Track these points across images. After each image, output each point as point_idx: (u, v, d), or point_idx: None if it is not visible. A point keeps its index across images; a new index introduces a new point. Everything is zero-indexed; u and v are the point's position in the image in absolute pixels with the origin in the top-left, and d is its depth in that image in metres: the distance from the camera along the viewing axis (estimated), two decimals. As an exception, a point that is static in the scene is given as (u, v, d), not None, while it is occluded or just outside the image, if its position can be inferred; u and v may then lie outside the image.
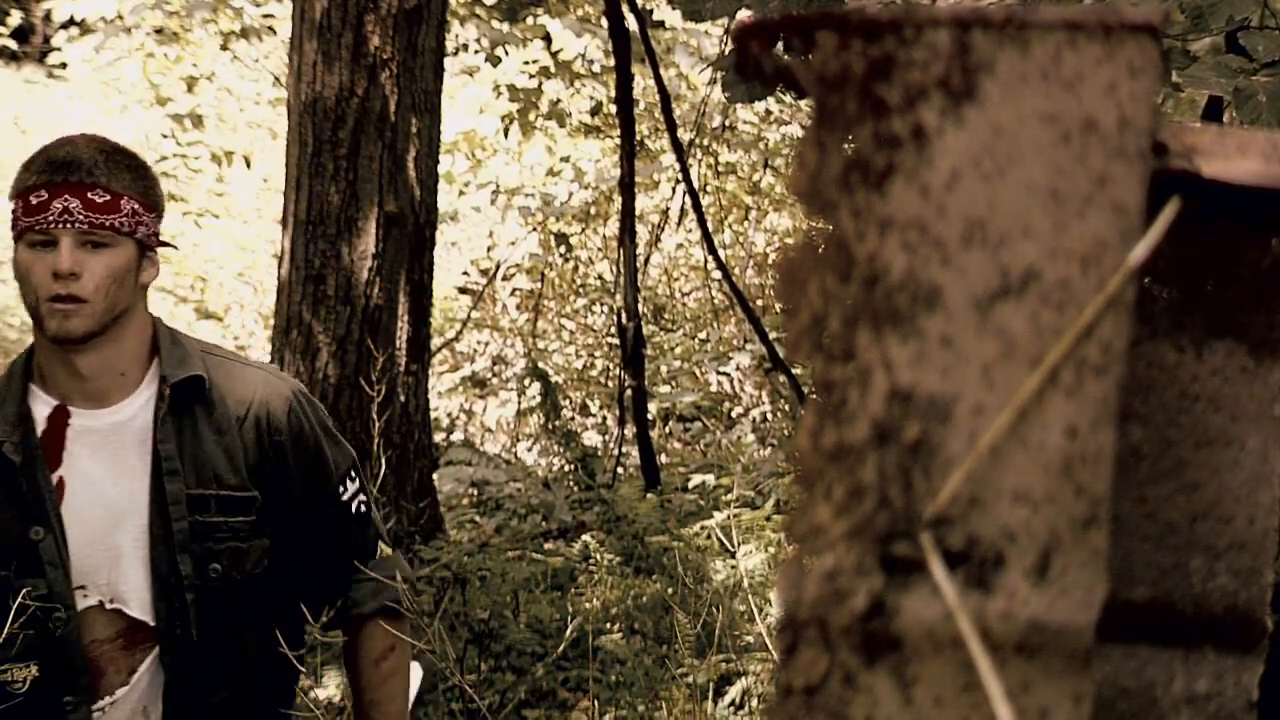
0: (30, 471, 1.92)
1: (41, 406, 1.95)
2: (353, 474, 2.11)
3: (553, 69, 8.64)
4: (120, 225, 1.87)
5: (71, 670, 1.93)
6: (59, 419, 1.95)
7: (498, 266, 8.76)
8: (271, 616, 2.05)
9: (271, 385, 2.04)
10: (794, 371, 5.27)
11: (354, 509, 2.10)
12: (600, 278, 9.39)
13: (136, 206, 1.89)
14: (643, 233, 8.70)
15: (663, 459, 6.74)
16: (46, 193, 1.84)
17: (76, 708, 1.94)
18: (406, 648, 2.17)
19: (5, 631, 1.87)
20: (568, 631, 4.13)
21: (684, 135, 7.56)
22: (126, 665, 1.97)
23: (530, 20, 8.84)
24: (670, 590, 4.80)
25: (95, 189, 1.85)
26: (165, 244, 1.98)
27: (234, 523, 1.98)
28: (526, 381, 7.04)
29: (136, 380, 1.97)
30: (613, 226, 8.72)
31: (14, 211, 1.87)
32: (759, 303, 8.66)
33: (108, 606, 1.95)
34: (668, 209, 9.14)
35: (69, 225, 1.83)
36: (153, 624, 1.95)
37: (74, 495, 1.94)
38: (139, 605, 1.96)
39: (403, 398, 4.73)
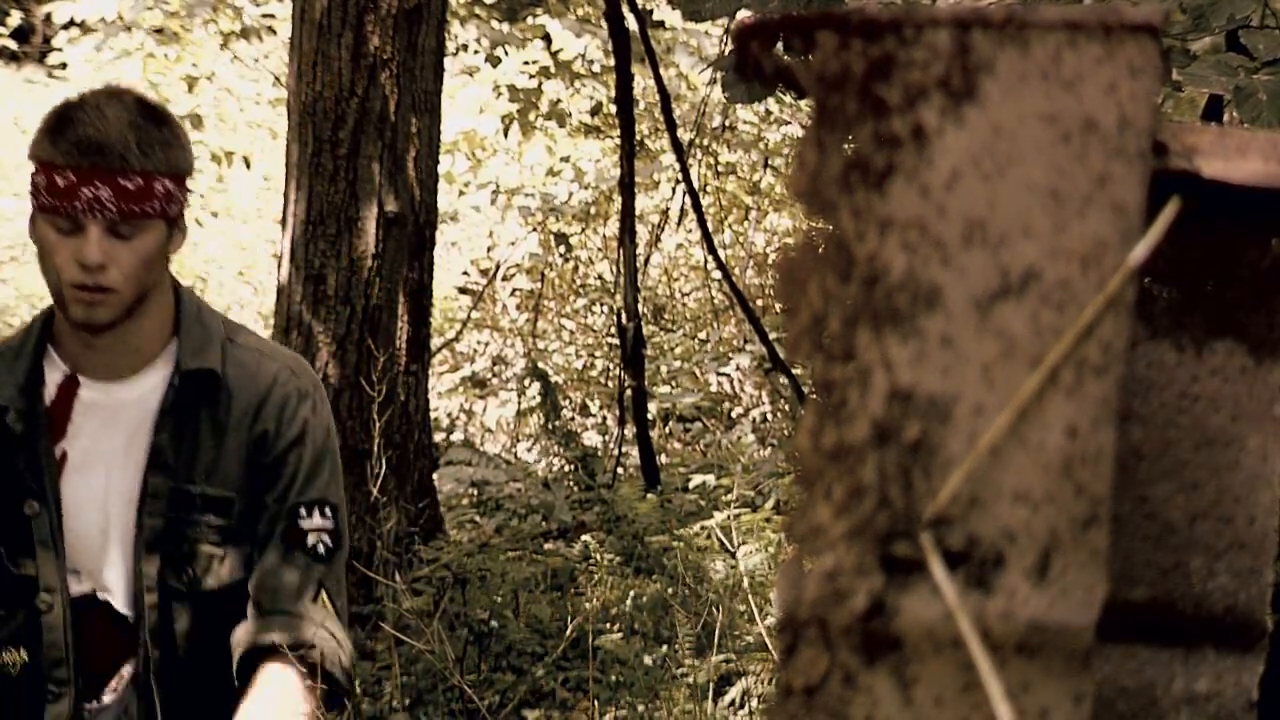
0: (32, 442, 1.82)
1: (54, 372, 1.85)
2: (327, 510, 1.89)
3: (553, 69, 8.64)
4: (153, 210, 1.75)
5: (56, 658, 1.81)
6: (69, 388, 1.84)
7: (498, 266, 8.76)
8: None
9: (280, 377, 1.89)
10: (794, 371, 5.26)
11: (309, 542, 1.87)
12: (600, 278, 9.39)
13: (169, 186, 1.76)
14: (643, 233, 8.70)
15: (663, 459, 6.74)
16: (74, 176, 1.70)
17: (58, 699, 1.81)
18: (300, 700, 1.80)
19: None
20: (568, 631, 4.13)
21: (684, 135, 7.56)
22: (115, 665, 1.86)
23: (530, 20, 8.84)
24: (670, 590, 4.80)
25: (127, 175, 1.71)
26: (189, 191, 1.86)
27: (214, 526, 1.85)
28: (526, 381, 7.04)
29: (152, 357, 1.85)
30: (613, 226, 8.72)
31: (35, 181, 1.74)
32: (759, 303, 8.66)
33: (99, 597, 1.85)
34: (668, 209, 9.14)
35: (99, 214, 1.71)
36: (132, 621, 1.84)
37: (74, 471, 1.83)
38: (122, 600, 1.84)
39: (403, 398, 4.73)
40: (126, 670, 1.86)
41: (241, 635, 1.84)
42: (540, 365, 7.30)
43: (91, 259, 1.71)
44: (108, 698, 1.86)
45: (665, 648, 4.33)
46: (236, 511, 1.86)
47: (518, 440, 7.19)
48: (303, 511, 1.87)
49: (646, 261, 8.41)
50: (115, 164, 1.71)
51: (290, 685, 1.80)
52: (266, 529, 1.86)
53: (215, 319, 1.92)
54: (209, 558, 1.85)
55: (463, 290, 9.24)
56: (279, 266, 4.83)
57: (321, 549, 1.89)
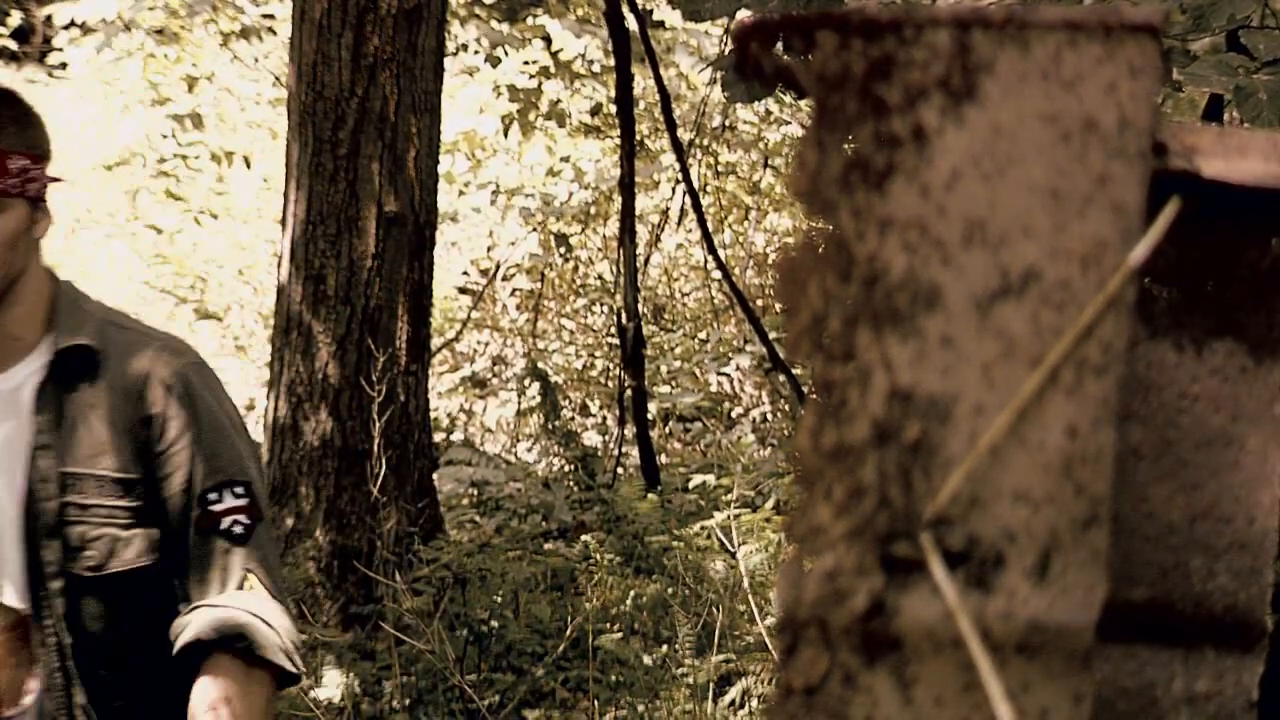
0: None
1: None
2: (239, 489, 1.79)
3: (553, 69, 8.64)
4: (9, 189, 1.68)
5: None
6: None
7: (498, 266, 8.76)
8: (164, 623, 1.79)
9: (162, 356, 1.79)
10: (794, 371, 5.27)
11: (223, 525, 1.77)
12: (600, 278, 9.39)
13: (25, 163, 1.70)
14: (643, 233, 8.70)
15: (663, 459, 6.74)
16: None
17: None
18: (252, 706, 1.72)
19: None
20: (568, 631, 4.13)
21: (684, 135, 7.56)
22: (23, 666, 1.76)
23: (530, 20, 8.84)
24: (670, 590, 4.80)
25: None
26: (56, 180, 1.79)
27: (112, 507, 1.75)
28: (526, 381, 7.04)
29: (30, 345, 1.77)
30: (613, 226, 8.72)
31: None
32: (759, 303, 8.66)
33: None
34: (668, 209, 9.14)
35: None
36: (28, 615, 1.74)
37: None
38: (16, 594, 1.75)
39: (403, 398, 4.73)
40: (36, 671, 1.76)
41: (176, 631, 1.75)
42: (540, 365, 7.30)
43: None
44: (28, 713, 1.77)
45: (665, 648, 4.33)
46: (139, 492, 1.76)
47: (518, 440, 7.19)
48: (211, 496, 1.77)
49: (646, 261, 8.41)
50: None
51: (232, 683, 1.72)
52: (179, 519, 1.77)
53: (95, 305, 1.84)
54: (112, 540, 1.75)
55: (463, 290, 9.24)
56: (279, 266, 4.83)
57: (239, 529, 1.78)
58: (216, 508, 1.77)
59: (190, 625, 1.73)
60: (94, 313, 1.81)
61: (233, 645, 1.72)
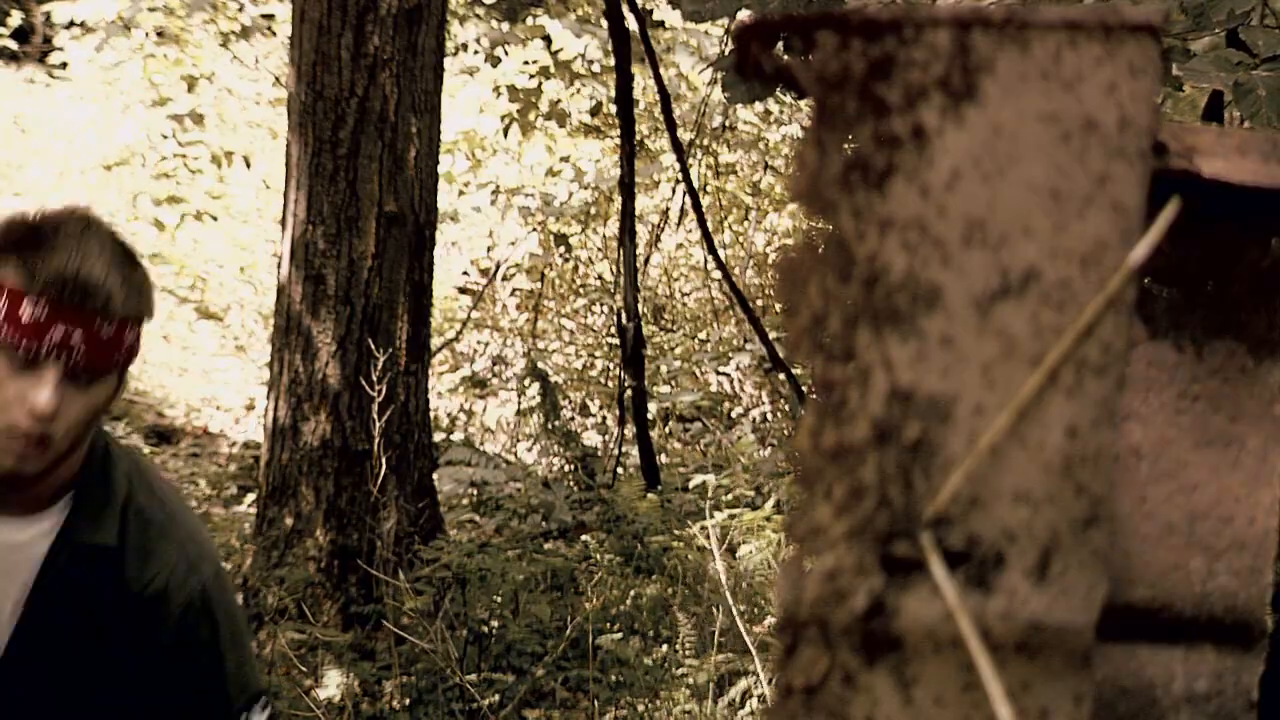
0: None
1: None
2: (262, 701, 1.74)
3: (553, 69, 8.64)
4: (118, 361, 1.54)
5: None
6: None
7: (498, 266, 8.76)
8: None
9: (180, 573, 1.66)
10: (794, 371, 5.27)
11: None
12: (600, 278, 9.39)
13: (137, 335, 1.57)
14: (643, 233, 8.70)
15: (663, 459, 6.74)
16: (48, 309, 1.47)
17: None
18: None
19: None
20: (568, 631, 4.13)
21: (684, 135, 7.56)
22: None
23: (530, 20, 8.84)
24: (670, 590, 4.80)
25: (104, 320, 1.50)
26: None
27: (110, 706, 1.65)
28: (526, 381, 7.04)
29: (47, 500, 1.62)
30: (613, 226, 8.72)
31: None
32: (759, 303, 8.67)
33: None
34: (668, 209, 9.14)
35: (64, 359, 1.48)
36: None
37: None
38: None
39: (403, 398, 4.73)
40: None
41: None
42: (540, 365, 7.30)
43: (45, 407, 1.48)
44: None
45: (665, 648, 4.33)
46: (138, 702, 1.67)
47: (518, 440, 7.19)
48: (243, 716, 1.72)
49: (646, 261, 8.42)
50: (97, 306, 1.49)
51: None
52: None
53: (120, 477, 1.68)
54: None
55: (463, 290, 9.24)
56: (279, 266, 4.83)
57: None
58: None
59: None
60: (118, 491, 1.66)
61: None
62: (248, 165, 8.94)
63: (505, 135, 8.80)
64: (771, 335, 5.82)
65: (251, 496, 5.62)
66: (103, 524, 1.63)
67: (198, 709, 1.69)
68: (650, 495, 5.78)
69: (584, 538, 5.35)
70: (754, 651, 3.32)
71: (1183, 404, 0.62)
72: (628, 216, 5.80)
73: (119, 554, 1.64)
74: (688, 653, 4.06)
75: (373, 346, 4.55)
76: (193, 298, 8.99)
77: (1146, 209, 0.55)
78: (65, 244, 1.50)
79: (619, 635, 4.38)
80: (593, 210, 8.98)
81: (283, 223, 4.79)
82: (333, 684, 3.95)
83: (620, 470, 6.26)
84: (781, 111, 9.27)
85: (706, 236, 5.49)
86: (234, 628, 1.74)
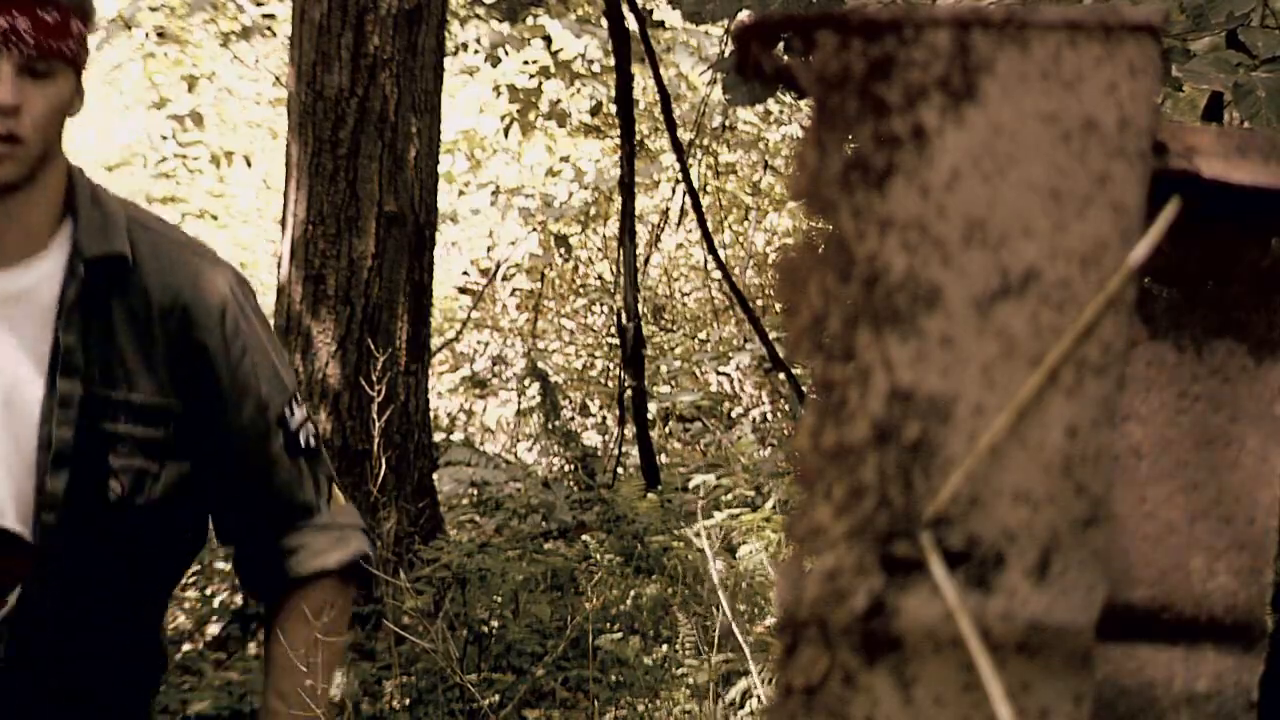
0: None
1: None
2: (297, 397, 1.73)
3: (553, 69, 8.64)
4: (68, 51, 1.55)
5: None
6: None
7: (498, 266, 8.76)
8: (164, 565, 1.71)
9: (206, 276, 1.64)
10: (794, 371, 5.27)
11: (302, 441, 1.70)
12: (600, 278, 9.39)
13: (82, 28, 1.58)
14: (643, 233, 8.70)
15: (663, 459, 6.74)
16: None
17: None
18: (346, 612, 1.75)
19: None
20: (568, 631, 4.13)
21: (684, 135, 7.56)
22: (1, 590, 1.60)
23: (530, 20, 8.84)
24: (670, 590, 4.80)
25: (46, 6, 1.51)
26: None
27: (143, 436, 1.61)
28: (526, 381, 7.04)
29: (44, 241, 1.59)
30: (613, 226, 8.72)
31: None
32: (759, 303, 8.67)
33: None
34: (668, 209, 9.14)
35: (14, 48, 1.49)
36: (30, 543, 1.59)
37: None
38: (18, 518, 1.59)
39: (403, 398, 4.73)
40: (11, 598, 1.60)
41: (282, 556, 1.70)
42: (540, 365, 7.30)
43: (5, 98, 1.48)
44: None
45: (665, 648, 4.33)
46: (176, 423, 1.63)
47: (518, 440, 7.19)
48: (286, 414, 1.69)
49: (646, 261, 8.41)
50: None
51: (339, 609, 1.73)
52: (262, 449, 1.68)
53: (114, 199, 1.66)
54: (139, 474, 1.62)
55: (463, 290, 9.24)
56: (279, 266, 4.83)
57: (312, 441, 1.73)
58: (293, 425, 1.70)
59: (310, 550, 1.70)
60: (116, 211, 1.64)
61: (347, 569, 1.72)
62: (248, 165, 8.94)
63: (505, 135, 8.80)
64: (771, 335, 5.81)
65: (251, 496, 5.60)
66: (110, 235, 1.60)
67: (241, 406, 1.66)
68: (650, 495, 5.78)
69: (584, 538, 5.35)
70: (748, 651, 3.32)
71: (1183, 404, 0.62)
72: (628, 216, 5.79)
73: (135, 269, 1.60)
74: (688, 653, 4.06)
75: (373, 346, 4.55)
76: (193, 298, 8.96)
77: (1146, 209, 0.55)
78: None
79: (619, 635, 4.38)
80: (593, 210, 8.98)
81: (283, 223, 4.79)
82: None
83: (620, 470, 6.26)
84: (781, 111, 9.26)
85: (706, 236, 5.49)
86: (266, 331, 1.71)
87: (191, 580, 4.95)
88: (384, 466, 4.32)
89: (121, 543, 1.64)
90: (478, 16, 8.84)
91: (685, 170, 5.51)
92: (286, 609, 1.72)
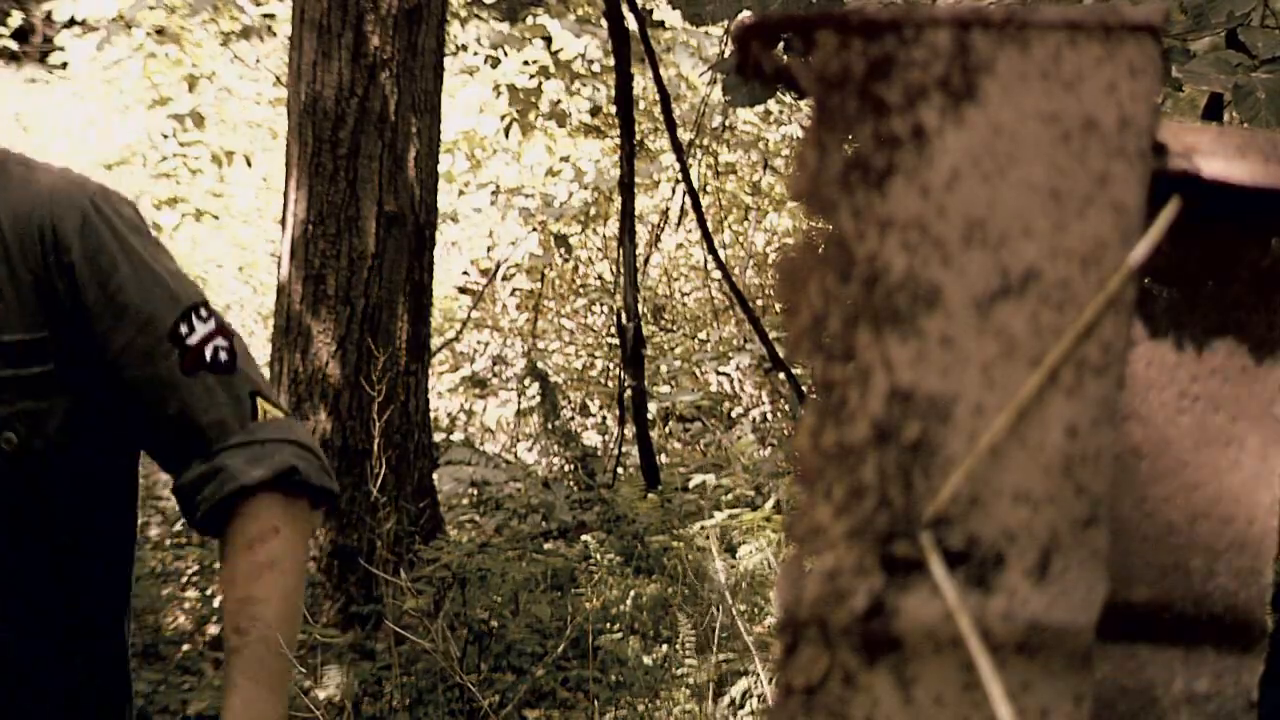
0: None
1: None
2: (201, 311, 1.54)
3: (553, 69, 8.65)
4: None
5: None
6: None
7: (498, 266, 8.76)
8: (87, 515, 1.56)
9: (61, 192, 1.49)
10: (794, 371, 5.27)
11: (208, 355, 1.52)
12: (600, 278, 9.39)
13: None
14: (643, 233, 8.70)
15: (663, 459, 6.74)
16: None
17: None
18: (297, 533, 1.55)
19: None
20: (568, 631, 4.13)
21: (684, 135, 7.56)
22: None
23: (530, 20, 8.84)
24: (670, 590, 4.80)
25: None
26: None
27: (25, 376, 1.46)
28: (526, 381, 7.04)
29: None
30: (613, 226, 8.72)
31: None
32: (759, 303, 8.67)
33: None
34: (668, 209, 9.14)
35: None
36: None
37: None
38: None
39: (403, 398, 4.73)
40: None
41: (200, 484, 1.53)
42: (540, 365, 7.30)
43: None
44: None
45: (665, 648, 4.33)
46: (55, 356, 1.49)
47: (518, 440, 7.19)
48: (182, 330, 1.52)
49: (646, 261, 8.41)
50: None
51: (275, 515, 1.53)
52: (151, 371, 1.51)
53: None
54: (30, 416, 1.48)
55: (463, 290, 9.24)
56: (279, 266, 4.83)
57: (224, 355, 1.55)
58: (193, 340, 1.52)
59: (227, 474, 1.52)
60: None
61: (283, 484, 1.53)
62: (248, 165, 8.94)
63: (505, 135, 8.80)
64: (771, 335, 5.82)
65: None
66: None
67: (118, 324, 1.49)
68: (650, 495, 5.78)
69: (584, 538, 5.35)
70: (753, 649, 3.32)
71: (1183, 404, 0.62)
72: (628, 216, 5.79)
73: None
74: (687, 653, 4.06)
75: (373, 346, 4.55)
76: (193, 297, 8.96)
77: (1146, 209, 0.55)
78: None
79: (619, 635, 4.38)
80: (593, 210, 8.98)
81: (283, 223, 4.79)
82: (333, 684, 3.95)
83: (620, 470, 6.26)
84: (781, 111, 9.26)
85: (706, 236, 5.49)
86: (141, 241, 1.52)
87: (191, 580, 4.95)
88: (384, 466, 4.32)
89: (28, 498, 1.50)
90: (478, 16, 8.84)
91: (685, 170, 5.51)
92: (225, 540, 1.53)
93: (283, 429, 1.57)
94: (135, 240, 1.52)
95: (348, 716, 3.54)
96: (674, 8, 2.91)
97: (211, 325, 1.54)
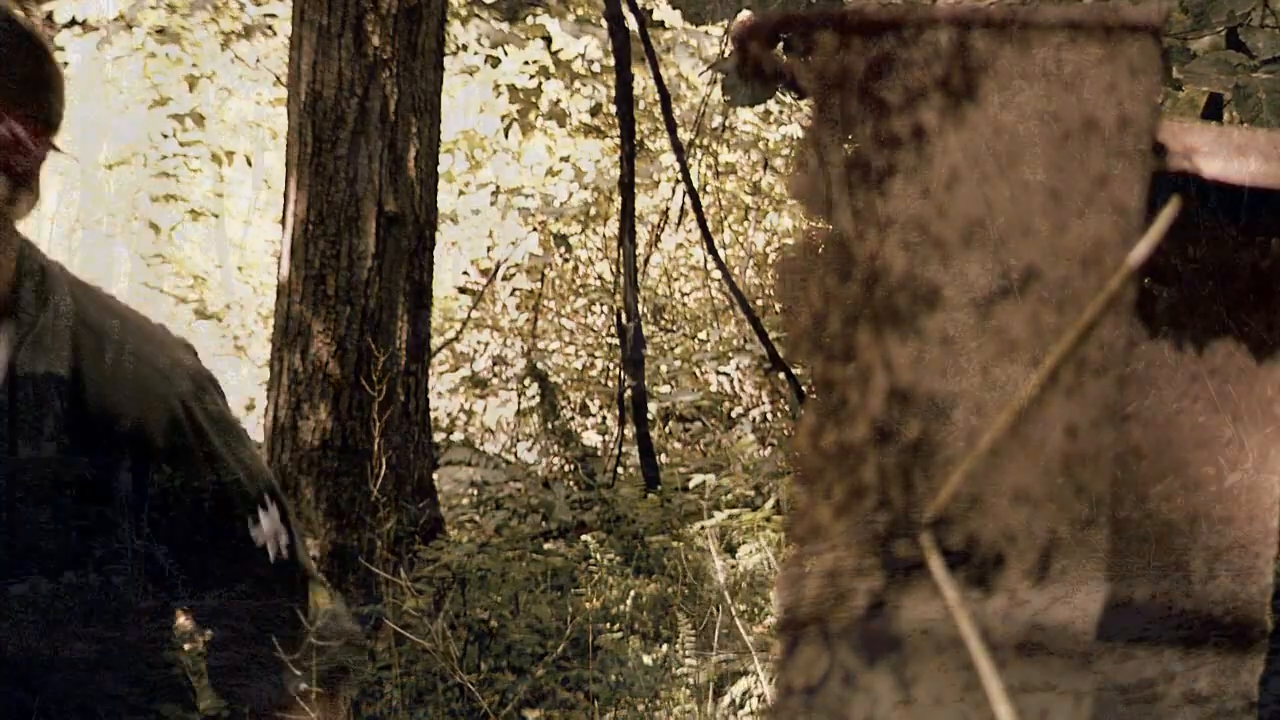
0: None
1: None
2: (266, 501, 1.55)
3: (553, 69, 8.65)
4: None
5: None
6: None
7: (498, 266, 8.76)
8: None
9: (154, 393, 1.47)
10: (794, 371, 5.26)
11: (270, 555, 1.55)
12: (600, 278, 9.39)
13: (18, 131, 1.32)
14: (643, 233, 8.70)
15: (663, 459, 6.74)
16: None
17: None
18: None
19: None
20: (568, 631, 4.13)
21: (684, 135, 7.56)
22: None
23: (530, 20, 8.84)
24: (670, 590, 4.80)
25: None
26: (55, 149, 1.39)
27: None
28: (526, 381, 7.04)
29: None
30: (613, 226, 8.72)
31: None
32: (759, 303, 8.66)
33: None
34: (668, 209, 9.14)
35: None
36: None
37: None
38: None
39: (403, 398, 4.73)
40: None
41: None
42: (540, 365, 7.30)
43: None
44: None
45: (665, 648, 4.33)
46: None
47: (518, 440, 7.19)
48: (252, 533, 1.55)
49: (646, 261, 8.41)
50: None
51: None
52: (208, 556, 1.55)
53: (61, 290, 1.45)
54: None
55: (463, 290, 9.24)
56: (279, 266, 4.83)
57: (285, 554, 1.58)
58: (259, 540, 1.57)
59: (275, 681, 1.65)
60: (64, 313, 1.45)
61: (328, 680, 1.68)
62: (249, 164, 8.94)
63: (505, 135, 8.80)
64: (771, 335, 5.81)
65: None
66: (50, 349, 1.43)
67: (198, 518, 1.49)
68: (650, 495, 5.78)
69: (584, 538, 5.35)
70: (753, 650, 3.32)
71: (1183, 404, 0.62)
72: (628, 216, 5.79)
73: (74, 384, 1.43)
74: (687, 653, 4.06)
75: (373, 346, 4.55)
76: (191, 298, 8.98)
77: (1146, 209, 0.54)
78: None
79: (619, 635, 4.38)
80: (593, 210, 8.98)
81: (283, 223, 4.78)
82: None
83: (620, 470, 6.26)
84: (781, 111, 9.26)
85: (706, 236, 5.49)
86: (223, 427, 1.53)
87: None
88: (384, 466, 4.32)
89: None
90: (478, 16, 8.84)
91: (685, 170, 5.51)
92: None
93: (330, 626, 1.61)
94: (217, 440, 1.52)
95: (348, 716, 3.54)
96: (674, 8, 2.91)
97: (275, 515, 1.56)
